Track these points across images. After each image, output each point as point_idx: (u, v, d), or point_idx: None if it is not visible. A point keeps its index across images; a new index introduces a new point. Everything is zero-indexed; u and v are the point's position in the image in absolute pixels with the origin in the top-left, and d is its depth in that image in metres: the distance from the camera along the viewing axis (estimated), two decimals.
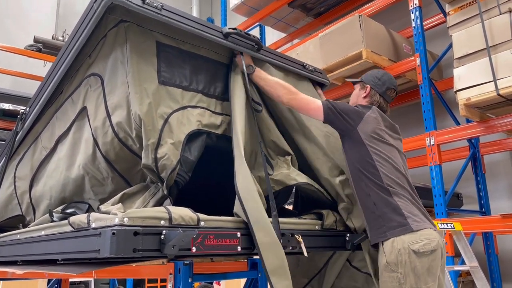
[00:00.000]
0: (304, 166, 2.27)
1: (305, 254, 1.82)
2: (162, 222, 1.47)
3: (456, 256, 3.75)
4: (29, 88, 6.99)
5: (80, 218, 1.57)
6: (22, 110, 2.08)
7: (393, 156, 2.07)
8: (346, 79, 2.73)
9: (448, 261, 3.54)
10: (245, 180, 1.71)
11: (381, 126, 2.12)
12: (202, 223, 1.56)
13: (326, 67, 4.66)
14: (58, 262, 1.77)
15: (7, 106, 5.40)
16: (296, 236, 1.83)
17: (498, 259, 4.24)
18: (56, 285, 3.68)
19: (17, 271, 1.93)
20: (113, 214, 1.44)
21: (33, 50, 6.27)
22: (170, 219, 1.49)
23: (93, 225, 1.48)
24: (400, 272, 1.85)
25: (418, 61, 4.17)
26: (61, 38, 6.60)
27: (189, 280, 1.72)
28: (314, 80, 2.52)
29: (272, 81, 2.11)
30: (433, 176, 3.86)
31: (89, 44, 1.86)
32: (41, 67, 6.94)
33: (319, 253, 2.42)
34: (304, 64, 2.46)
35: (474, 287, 3.55)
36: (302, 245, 1.83)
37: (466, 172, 4.32)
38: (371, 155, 2.02)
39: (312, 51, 4.85)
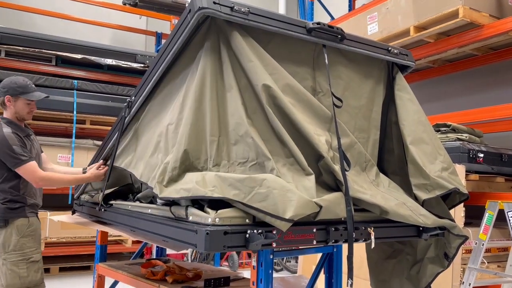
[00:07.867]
0: None
1: (373, 245, 1.96)
2: (247, 220, 1.71)
3: None
4: (127, 42, 7.54)
5: (179, 209, 1.85)
6: (129, 99, 2.38)
7: None
8: None
9: None
10: None
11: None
12: None
13: (418, 24, 4.41)
14: None
15: (110, 61, 5.96)
16: (369, 229, 1.98)
17: None
18: None
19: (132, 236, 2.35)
20: (206, 214, 1.69)
21: (130, 5, 6.67)
22: (253, 218, 1.72)
23: (190, 218, 1.76)
24: None
25: None
26: None
27: (270, 257, 1.96)
28: (398, 63, 2.48)
29: None
30: None
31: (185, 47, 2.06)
32: (137, 19, 7.39)
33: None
34: (389, 48, 2.42)
35: None
36: (372, 237, 1.97)
37: None
38: None
39: (403, 5, 4.58)
